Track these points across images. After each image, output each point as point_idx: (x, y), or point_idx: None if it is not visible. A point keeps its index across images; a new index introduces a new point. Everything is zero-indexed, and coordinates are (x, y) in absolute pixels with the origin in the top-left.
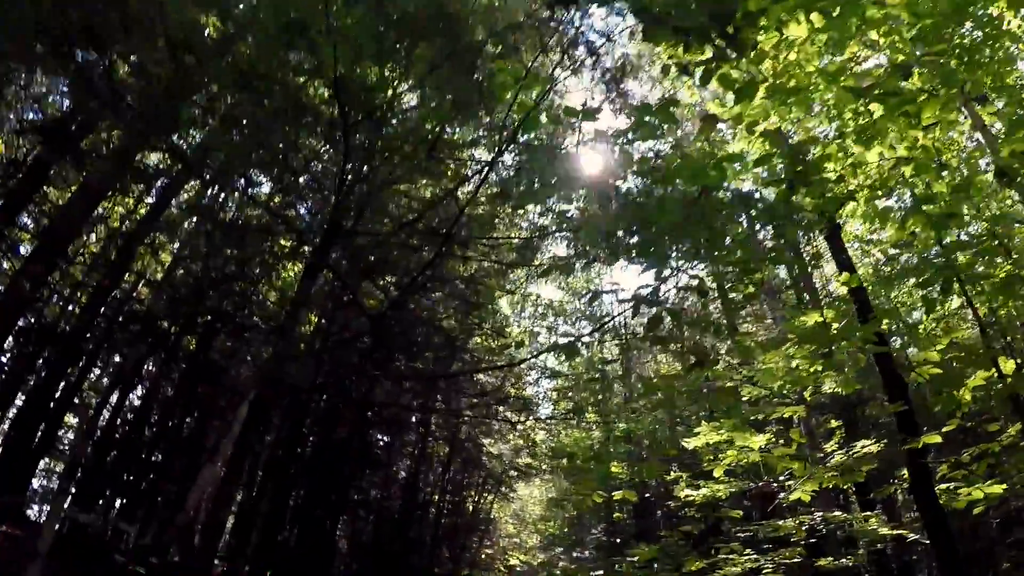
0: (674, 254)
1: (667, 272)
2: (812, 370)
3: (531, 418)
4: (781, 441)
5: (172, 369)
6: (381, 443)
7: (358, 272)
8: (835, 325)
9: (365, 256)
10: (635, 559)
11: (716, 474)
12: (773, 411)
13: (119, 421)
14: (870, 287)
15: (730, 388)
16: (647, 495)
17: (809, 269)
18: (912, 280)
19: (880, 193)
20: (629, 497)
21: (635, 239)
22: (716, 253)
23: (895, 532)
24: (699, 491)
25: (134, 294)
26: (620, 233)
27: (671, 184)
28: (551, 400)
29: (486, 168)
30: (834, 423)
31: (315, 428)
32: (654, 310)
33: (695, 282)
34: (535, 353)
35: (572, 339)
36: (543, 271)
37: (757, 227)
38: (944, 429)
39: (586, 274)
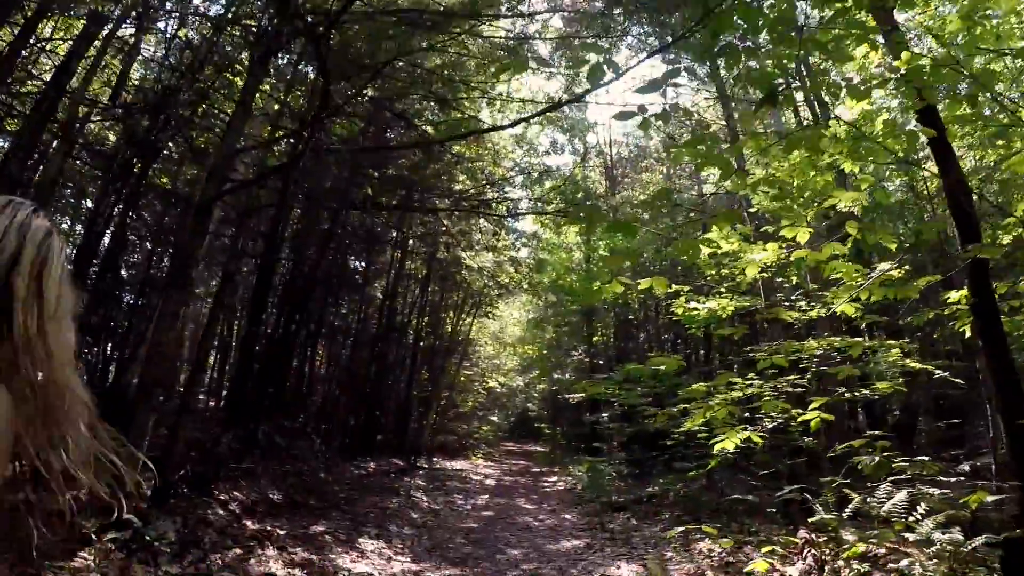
0: None
1: None
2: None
3: (513, 215)
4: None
5: (129, 201)
6: (358, 266)
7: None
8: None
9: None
10: (660, 367)
11: (749, 273)
12: (830, 197)
13: (87, 262)
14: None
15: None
16: (629, 317)
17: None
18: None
19: None
20: (659, 285)
21: None
22: None
23: (921, 366)
24: (703, 306)
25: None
26: None
27: None
28: (535, 201)
29: None
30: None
31: (288, 250)
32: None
33: None
34: (534, 112)
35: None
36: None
37: None
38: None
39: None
